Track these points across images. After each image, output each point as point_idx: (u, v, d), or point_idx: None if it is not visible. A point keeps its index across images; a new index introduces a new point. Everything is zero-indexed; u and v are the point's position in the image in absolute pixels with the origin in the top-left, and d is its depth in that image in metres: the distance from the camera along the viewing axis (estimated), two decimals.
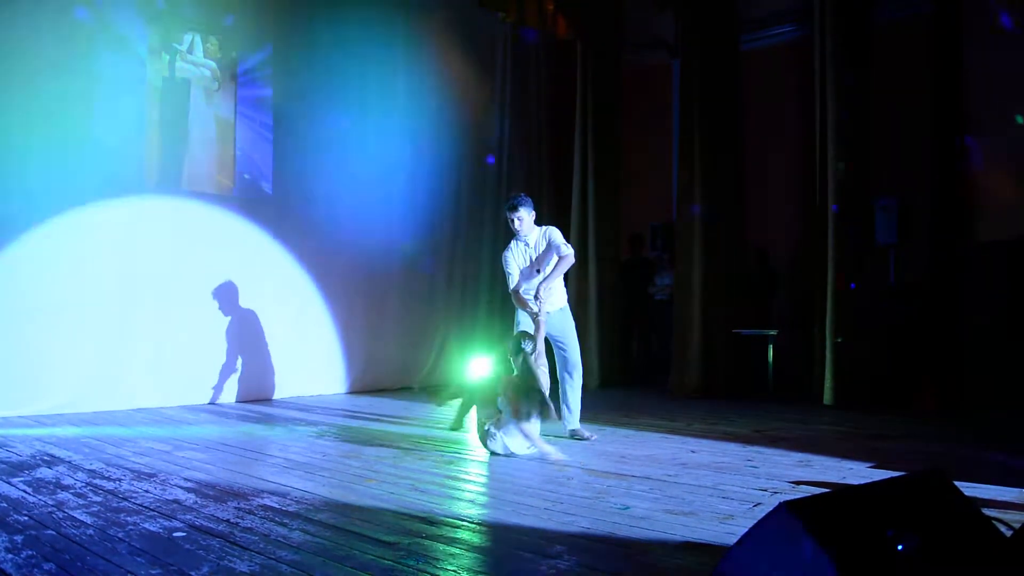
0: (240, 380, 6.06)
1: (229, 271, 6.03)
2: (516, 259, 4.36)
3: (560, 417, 4.33)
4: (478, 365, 7.07)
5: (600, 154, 7.44)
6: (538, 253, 4.37)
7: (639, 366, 8.24)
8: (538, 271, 4.34)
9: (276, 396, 6.26)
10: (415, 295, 7.25)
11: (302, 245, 6.52)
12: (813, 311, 6.45)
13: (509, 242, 4.49)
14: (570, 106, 7.59)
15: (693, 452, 4.13)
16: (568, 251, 4.29)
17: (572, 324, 4.50)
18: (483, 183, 7.71)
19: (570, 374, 4.49)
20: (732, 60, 6.87)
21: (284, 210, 6.42)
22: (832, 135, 6.08)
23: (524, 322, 4.33)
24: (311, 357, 6.52)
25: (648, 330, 8.29)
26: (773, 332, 6.96)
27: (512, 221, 4.35)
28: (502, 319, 7.64)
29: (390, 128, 7.06)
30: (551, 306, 4.37)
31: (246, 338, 6.09)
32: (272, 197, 6.37)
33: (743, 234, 7.03)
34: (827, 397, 6.07)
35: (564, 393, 4.50)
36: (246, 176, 6.19)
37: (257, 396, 6.13)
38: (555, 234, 4.36)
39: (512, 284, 4.36)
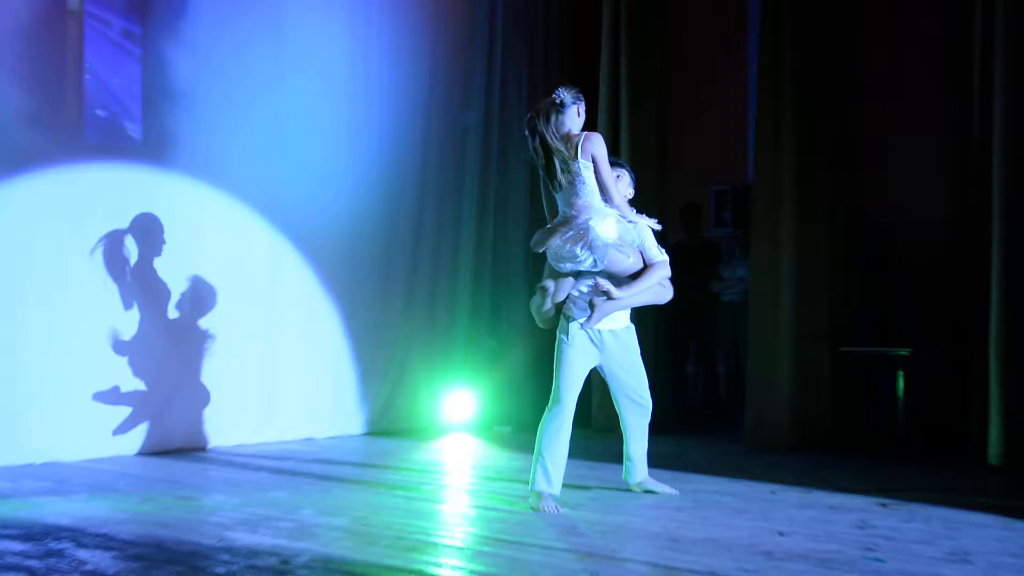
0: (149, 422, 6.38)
1: (57, 259, 6.06)
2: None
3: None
4: (458, 403, 7.71)
5: (636, 85, 7.60)
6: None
7: (697, 401, 8.34)
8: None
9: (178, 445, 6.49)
10: (362, 302, 7.46)
11: (188, 220, 6.55)
12: (967, 321, 6.53)
13: None
14: (589, 23, 7.81)
15: (782, 535, 4.20)
16: (647, 234, 4.90)
17: (637, 348, 4.92)
18: (461, 146, 7.96)
19: (638, 415, 4.94)
20: None
21: (159, 164, 6.49)
22: (1002, 63, 6.03)
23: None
24: (224, 389, 6.77)
25: (710, 347, 8.38)
26: (904, 351, 6.96)
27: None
28: (490, 336, 7.99)
29: (325, 63, 7.24)
30: (612, 322, 4.79)
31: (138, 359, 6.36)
32: (142, 145, 6.43)
33: (857, 206, 7.10)
34: (993, 453, 6.04)
35: (628, 439, 4.96)
36: (100, 113, 6.26)
37: (168, 444, 6.41)
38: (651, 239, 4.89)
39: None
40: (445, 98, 7.91)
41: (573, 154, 4.60)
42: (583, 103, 4.73)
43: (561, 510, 4.59)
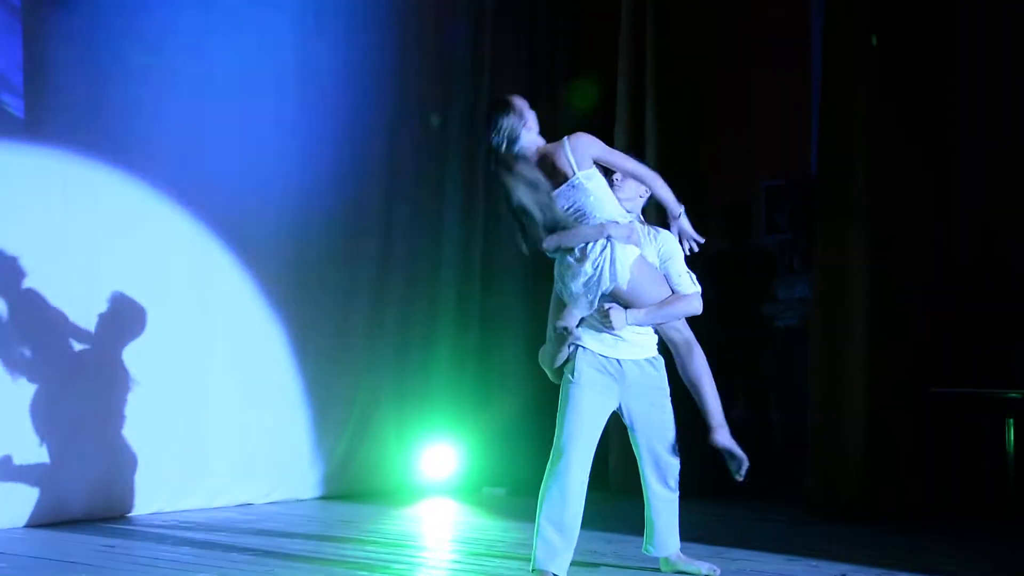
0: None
1: None
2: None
3: None
4: (437, 459, 7.88)
5: (665, 60, 7.72)
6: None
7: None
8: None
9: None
10: (316, 330, 7.53)
11: (86, 218, 6.47)
12: None
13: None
14: None
15: None
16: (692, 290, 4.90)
17: (667, 387, 4.87)
18: (442, 149, 8.13)
19: (661, 478, 4.89)
20: None
21: (46, 146, 6.44)
22: None
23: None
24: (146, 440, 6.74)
25: (762, 386, 8.45)
26: (1016, 394, 6.83)
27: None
28: (479, 373, 7.99)
29: (265, 25, 7.29)
30: (634, 348, 4.76)
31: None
32: (24, 123, 6.40)
33: (953, 211, 7.10)
34: None
35: (651, 502, 4.92)
36: None
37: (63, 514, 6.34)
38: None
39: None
40: (419, 85, 8.05)
41: (560, 177, 4.55)
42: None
43: None
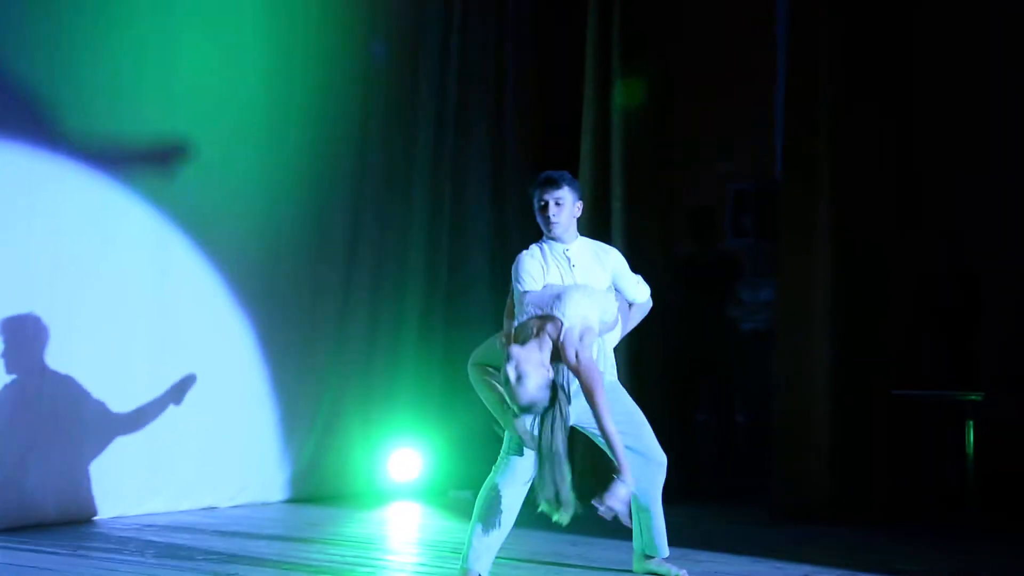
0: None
1: None
2: (545, 276, 4.64)
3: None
4: (403, 462, 7.85)
5: (631, 61, 7.68)
6: (586, 280, 4.68)
7: (711, 458, 8.24)
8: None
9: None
10: (282, 329, 7.48)
11: (29, 205, 6.37)
12: None
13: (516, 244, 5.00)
14: None
15: None
16: (647, 296, 4.96)
17: (631, 401, 4.90)
18: (411, 141, 8.04)
19: (648, 471, 4.82)
20: None
21: (8, 139, 6.28)
22: None
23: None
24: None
25: (727, 389, 8.41)
26: (976, 396, 6.88)
27: (545, 206, 4.71)
28: (445, 377, 7.86)
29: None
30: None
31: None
32: None
33: (918, 212, 7.09)
34: None
35: (647, 510, 4.90)
36: None
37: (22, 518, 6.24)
38: (623, 264, 4.88)
39: (514, 319, 4.57)
40: (387, 89, 7.99)
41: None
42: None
43: None
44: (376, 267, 7.85)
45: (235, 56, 7.21)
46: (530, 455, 4.50)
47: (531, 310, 4.40)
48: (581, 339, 4.30)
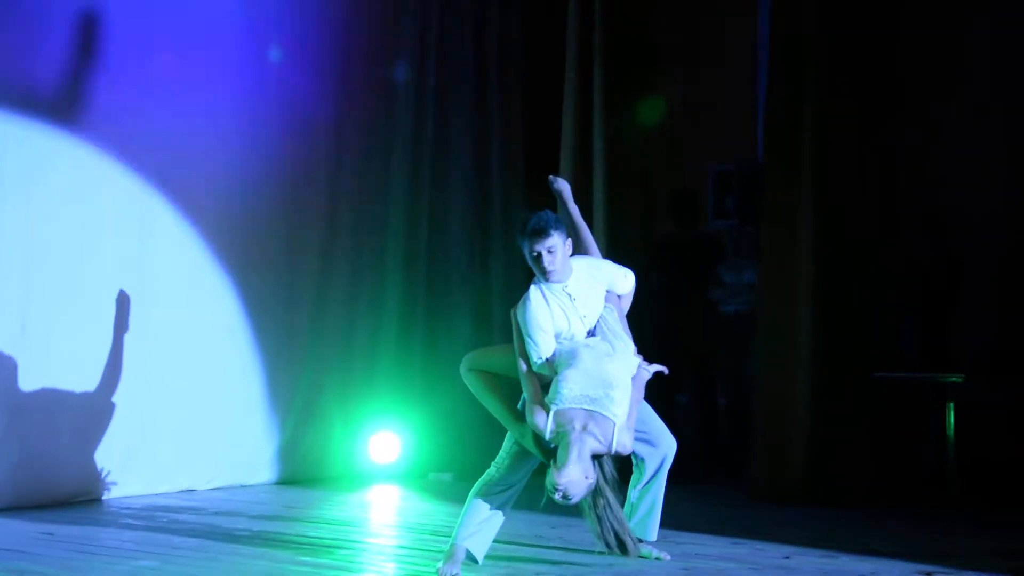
0: None
1: None
2: (553, 321, 4.66)
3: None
4: (384, 444, 7.83)
5: (614, 48, 7.64)
6: (588, 308, 4.73)
7: (691, 440, 8.09)
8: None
9: None
10: (262, 307, 7.46)
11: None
12: None
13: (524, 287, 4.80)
14: None
15: None
16: (633, 283, 4.92)
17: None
18: (389, 116, 8.02)
19: (655, 469, 4.94)
20: None
21: None
22: None
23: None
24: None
25: (708, 371, 8.42)
26: (956, 378, 6.93)
27: (538, 257, 4.67)
28: (425, 359, 7.94)
29: None
30: None
31: None
32: None
33: (901, 194, 7.14)
34: None
35: (647, 492, 4.97)
36: None
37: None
38: (615, 272, 4.88)
39: (532, 387, 4.60)
40: (366, 78, 7.96)
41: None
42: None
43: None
44: (356, 250, 7.83)
45: (215, 50, 7.16)
46: (528, 456, 4.56)
47: (574, 392, 4.37)
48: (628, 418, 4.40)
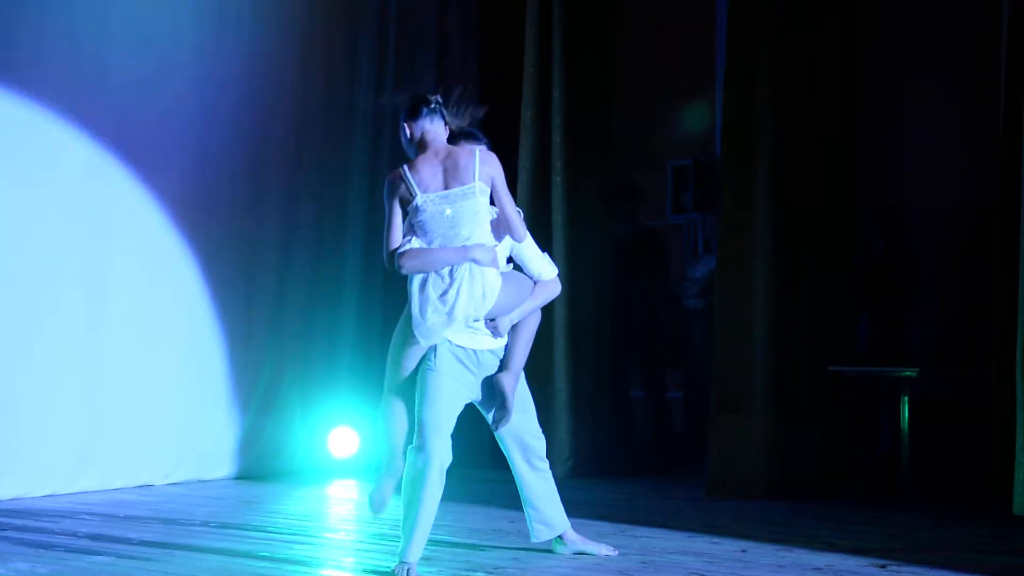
0: None
1: None
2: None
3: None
4: (343, 439, 7.86)
5: (573, 40, 7.69)
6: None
7: (646, 437, 8.26)
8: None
9: None
10: (220, 299, 7.46)
11: None
12: (990, 337, 6.49)
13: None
14: None
15: None
16: (526, 239, 4.79)
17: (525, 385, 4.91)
18: (346, 133, 8.08)
19: (528, 459, 4.88)
20: None
21: None
22: None
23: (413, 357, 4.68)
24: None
25: (659, 367, 8.40)
26: (910, 372, 6.94)
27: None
28: (383, 355, 7.79)
29: None
30: (490, 340, 4.72)
31: None
32: None
33: (855, 189, 7.14)
34: (1019, 501, 5.94)
35: (528, 489, 4.89)
36: None
37: None
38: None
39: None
40: (325, 75, 8.01)
41: (456, 180, 4.53)
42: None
43: None
44: (316, 243, 7.85)
45: (173, 48, 7.14)
46: (446, 440, 4.56)
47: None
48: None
